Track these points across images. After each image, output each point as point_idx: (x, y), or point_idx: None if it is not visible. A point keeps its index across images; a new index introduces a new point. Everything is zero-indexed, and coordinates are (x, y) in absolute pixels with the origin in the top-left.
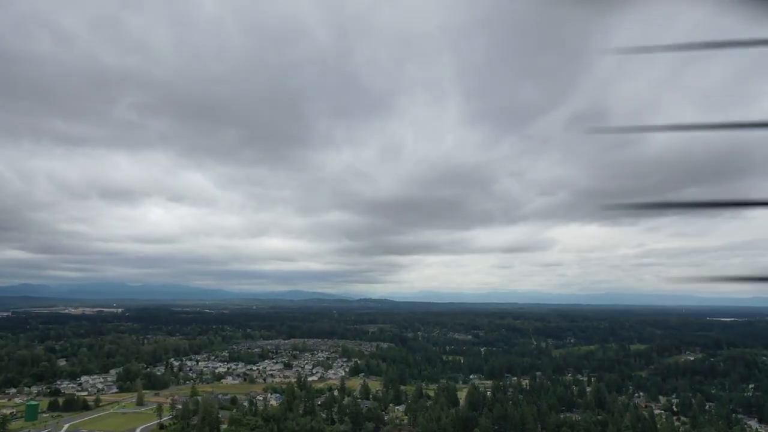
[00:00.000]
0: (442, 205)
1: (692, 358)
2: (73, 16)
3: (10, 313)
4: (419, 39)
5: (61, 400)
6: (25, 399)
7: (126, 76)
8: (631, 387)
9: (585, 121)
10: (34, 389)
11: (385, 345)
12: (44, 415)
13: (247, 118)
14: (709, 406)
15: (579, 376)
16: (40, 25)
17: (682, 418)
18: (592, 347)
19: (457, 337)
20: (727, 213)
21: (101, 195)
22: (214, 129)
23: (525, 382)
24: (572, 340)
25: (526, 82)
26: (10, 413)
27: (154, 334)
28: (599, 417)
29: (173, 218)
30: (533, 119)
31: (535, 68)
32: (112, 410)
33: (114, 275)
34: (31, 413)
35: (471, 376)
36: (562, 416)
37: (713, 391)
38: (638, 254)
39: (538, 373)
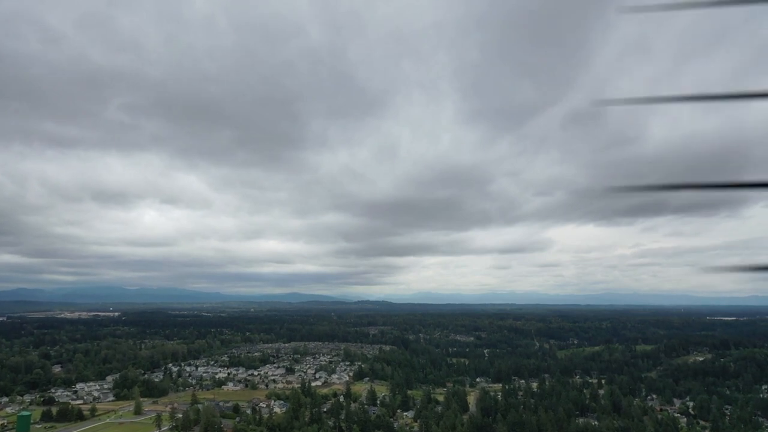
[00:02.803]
0: (439, 205)
1: (701, 359)
2: (59, 15)
3: (5, 318)
4: (414, 36)
5: (54, 410)
6: (18, 408)
7: (117, 75)
8: (643, 389)
9: (582, 120)
10: (27, 398)
11: (387, 348)
12: (37, 426)
13: (241, 119)
14: (727, 409)
15: (588, 378)
16: (26, 24)
17: (701, 422)
18: (597, 348)
19: (459, 338)
20: (727, 212)
21: (94, 198)
22: (207, 130)
23: (534, 385)
24: (575, 341)
25: (523, 80)
26: (1, 425)
27: (151, 338)
28: (620, 423)
29: (168, 221)
30: (530, 118)
31: (531, 66)
32: (108, 420)
33: (110, 279)
34: (22, 425)
35: (477, 379)
36: (580, 421)
37: (727, 392)
38: (635, 254)
39: (545, 375)
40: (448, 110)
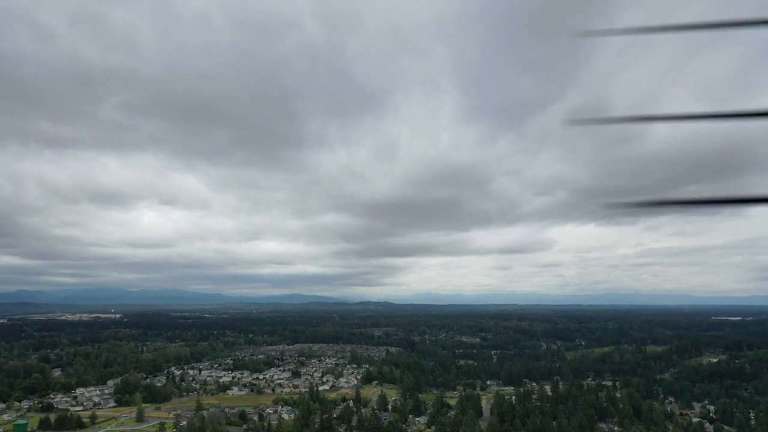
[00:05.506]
0: (439, 205)
1: (715, 360)
2: (52, 12)
3: (5, 321)
4: (413, 32)
5: (53, 417)
6: (15, 416)
7: (111, 74)
8: (660, 392)
9: (584, 117)
10: (25, 404)
11: (393, 350)
12: None
13: (238, 118)
14: (751, 413)
15: (601, 381)
16: (18, 22)
17: (726, 427)
18: (606, 349)
19: (464, 339)
20: (730, 210)
21: (92, 199)
22: (204, 129)
23: (547, 388)
24: (583, 342)
25: (524, 77)
26: None
27: (153, 340)
28: (643, 429)
29: (167, 222)
30: (531, 115)
31: (533, 62)
32: (109, 428)
33: (111, 280)
34: None
35: (488, 382)
36: (603, 427)
37: (746, 395)
38: (637, 254)
39: (557, 378)
40: (447, 108)
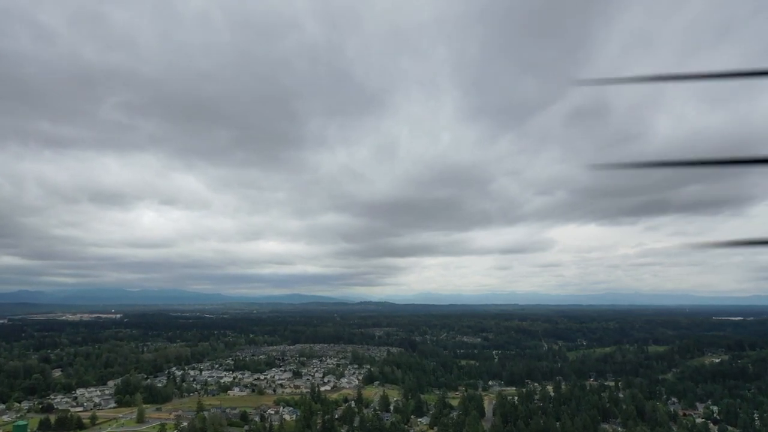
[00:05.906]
0: (439, 205)
1: (717, 360)
2: (52, 12)
3: (6, 321)
4: (413, 32)
5: (53, 418)
6: (15, 416)
7: (111, 74)
8: (663, 393)
9: (585, 117)
10: (25, 404)
11: (394, 350)
12: None
13: (239, 118)
14: (755, 414)
15: (603, 381)
16: (18, 22)
17: (730, 428)
18: (608, 349)
19: (465, 340)
20: (730, 210)
21: (92, 199)
22: (204, 129)
23: (549, 389)
24: (584, 342)
25: (524, 76)
26: None
27: (153, 341)
28: (650, 429)
29: (167, 222)
30: (531, 115)
31: (533, 61)
32: (109, 429)
33: (111, 281)
34: None
35: (490, 383)
36: (607, 428)
37: (749, 395)
38: (638, 254)
39: (559, 378)
40: (447, 108)
